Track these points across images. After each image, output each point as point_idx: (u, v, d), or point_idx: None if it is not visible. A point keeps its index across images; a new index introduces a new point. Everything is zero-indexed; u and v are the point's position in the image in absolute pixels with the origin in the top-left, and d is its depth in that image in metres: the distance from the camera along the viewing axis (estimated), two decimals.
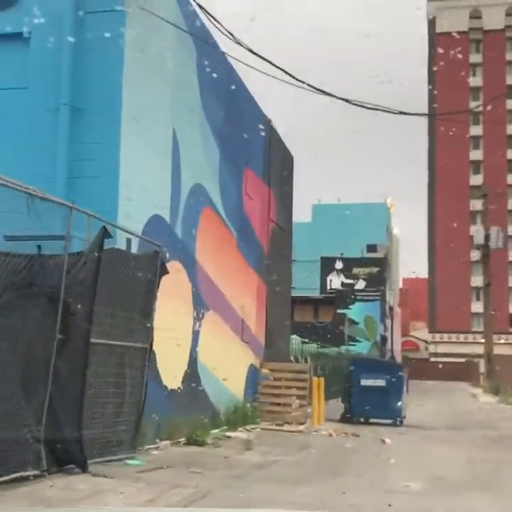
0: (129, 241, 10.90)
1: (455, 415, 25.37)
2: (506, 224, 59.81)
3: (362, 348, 49.97)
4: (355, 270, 54.02)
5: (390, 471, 11.90)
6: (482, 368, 55.45)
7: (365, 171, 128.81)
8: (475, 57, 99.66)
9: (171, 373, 13.14)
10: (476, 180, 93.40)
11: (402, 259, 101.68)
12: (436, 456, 14.26)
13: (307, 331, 51.18)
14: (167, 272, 11.02)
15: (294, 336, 47.74)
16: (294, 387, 18.18)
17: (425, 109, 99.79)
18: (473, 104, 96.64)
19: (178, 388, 13.69)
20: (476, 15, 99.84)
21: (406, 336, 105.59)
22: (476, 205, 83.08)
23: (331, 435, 16.79)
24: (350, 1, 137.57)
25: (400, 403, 20.01)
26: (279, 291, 20.89)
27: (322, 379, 19.87)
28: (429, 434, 18.41)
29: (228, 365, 16.43)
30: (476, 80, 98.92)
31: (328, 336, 50.12)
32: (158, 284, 10.67)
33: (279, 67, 10.94)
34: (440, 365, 74.96)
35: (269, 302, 19.94)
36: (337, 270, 54.33)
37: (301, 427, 17.27)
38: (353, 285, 53.56)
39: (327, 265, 54.92)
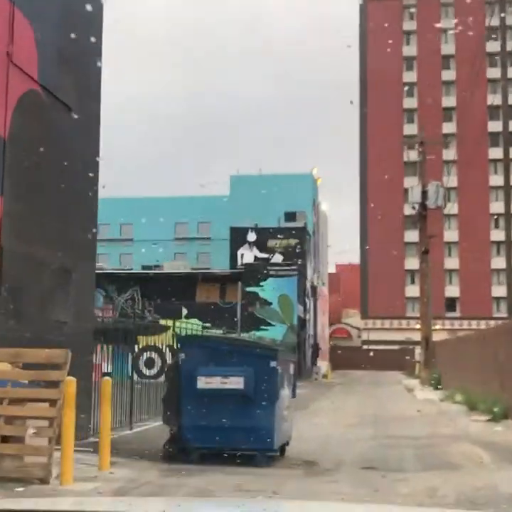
0: None
1: (382, 430, 15.71)
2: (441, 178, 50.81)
3: (275, 333, 40.40)
4: (271, 242, 44.41)
5: None
6: (418, 356, 46.38)
7: (291, 141, 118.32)
8: (408, 25, 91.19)
9: None
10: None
11: (333, 242, 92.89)
12: None
13: (210, 314, 41.37)
14: None
15: (194, 320, 37.91)
16: (31, 399, 8.31)
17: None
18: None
19: None
20: None
21: (338, 323, 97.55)
22: (412, 182, 74.70)
23: None
24: None
25: (272, 419, 10.28)
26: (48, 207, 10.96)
27: (109, 380, 10.10)
28: (323, 490, 8.76)
29: None
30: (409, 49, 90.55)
31: (235, 319, 40.55)
32: None
33: None
34: (371, 354, 66.28)
35: (11, 237, 10.05)
36: (249, 243, 44.68)
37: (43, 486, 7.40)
38: (267, 260, 43.95)
39: (238, 237, 45.24)
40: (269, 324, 40.69)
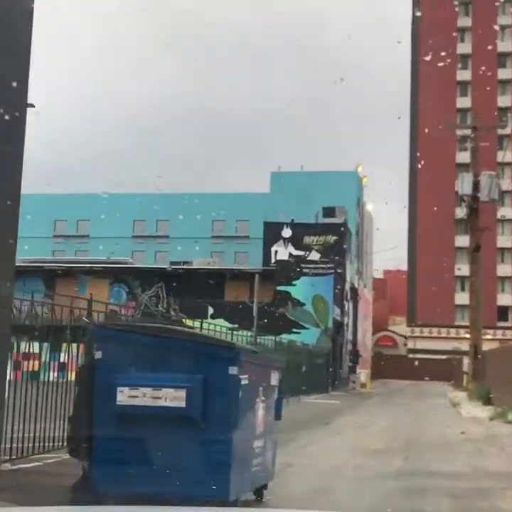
0: None
1: (412, 462, 11.89)
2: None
3: (308, 336, 36.68)
4: (308, 239, 40.65)
5: None
6: (466, 367, 42.16)
7: (336, 138, 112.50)
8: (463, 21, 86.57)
9: None
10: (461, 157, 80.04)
11: (380, 246, 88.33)
12: None
13: (238, 314, 37.91)
14: None
15: (220, 320, 34.55)
16: None
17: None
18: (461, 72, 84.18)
19: None
20: None
21: (384, 331, 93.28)
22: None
23: None
24: None
25: (228, 455, 6.62)
26: None
27: None
28: None
29: None
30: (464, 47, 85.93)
31: (265, 320, 36.94)
32: None
33: None
34: (416, 363, 61.99)
35: None
36: (284, 239, 40.99)
37: None
38: (303, 258, 40.22)
39: (272, 233, 41.62)
40: (302, 327, 36.99)
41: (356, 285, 49.34)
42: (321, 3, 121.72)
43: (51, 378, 11.03)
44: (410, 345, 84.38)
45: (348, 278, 43.08)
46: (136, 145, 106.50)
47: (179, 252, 58.41)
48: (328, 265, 37.99)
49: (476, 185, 30.64)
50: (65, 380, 10.87)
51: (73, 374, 10.75)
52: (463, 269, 75.25)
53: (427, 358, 70.87)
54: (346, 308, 42.26)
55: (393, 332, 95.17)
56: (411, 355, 78.35)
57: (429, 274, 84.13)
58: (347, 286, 42.61)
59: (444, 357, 68.61)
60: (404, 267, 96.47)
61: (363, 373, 46.63)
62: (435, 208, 76.59)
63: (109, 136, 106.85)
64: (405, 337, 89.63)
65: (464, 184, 31.14)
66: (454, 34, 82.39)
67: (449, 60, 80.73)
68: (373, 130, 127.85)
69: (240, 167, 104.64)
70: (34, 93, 8.67)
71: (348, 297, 43.38)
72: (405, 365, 67.84)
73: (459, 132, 70.05)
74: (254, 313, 34.11)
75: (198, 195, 64.58)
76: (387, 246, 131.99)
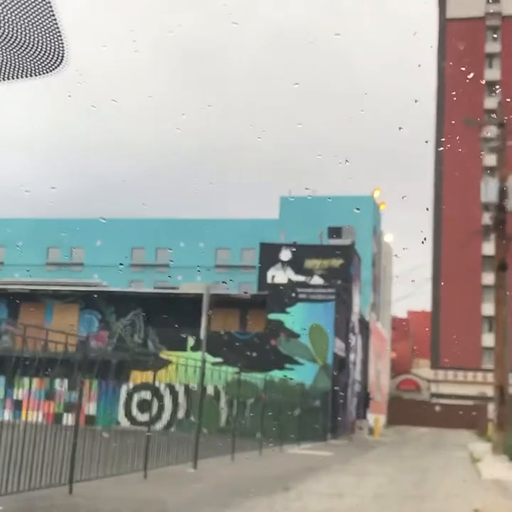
0: None
1: None
2: None
3: (304, 373, 30.90)
4: (310, 263, 35.08)
5: None
6: (491, 414, 36.02)
7: (351, 163, 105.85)
8: (491, 47, 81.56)
9: None
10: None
11: (399, 292, 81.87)
12: None
13: (223, 346, 32.35)
14: None
15: (204, 354, 28.99)
16: None
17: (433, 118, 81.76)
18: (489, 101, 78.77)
19: None
20: None
21: (406, 373, 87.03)
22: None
23: None
24: None
25: None
26: None
27: None
28: None
29: None
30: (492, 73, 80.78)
31: (253, 353, 31.36)
32: None
33: None
34: (437, 408, 55.66)
35: None
36: (283, 262, 35.46)
37: None
38: (304, 284, 34.60)
39: (269, 256, 36.12)
40: (296, 362, 31.23)
41: (368, 318, 43.47)
42: (347, 43, 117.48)
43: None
44: (433, 389, 77.83)
45: (355, 308, 37.31)
46: (137, 168, 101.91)
47: (180, 282, 53.10)
48: (329, 290, 32.32)
49: (502, 192, 25.06)
50: None
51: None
52: (490, 308, 69.15)
53: (450, 403, 64.38)
54: (353, 343, 36.41)
55: (416, 375, 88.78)
56: (434, 400, 71.81)
57: (454, 314, 78.02)
58: (354, 317, 36.83)
59: (469, 403, 62.12)
60: (428, 307, 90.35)
61: (376, 419, 40.57)
62: (457, 249, 70.79)
63: (108, 159, 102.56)
64: (429, 381, 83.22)
65: (488, 190, 25.56)
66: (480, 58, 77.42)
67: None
68: (394, 160, 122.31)
69: (249, 192, 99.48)
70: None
71: (356, 330, 37.55)
72: (426, 411, 61.44)
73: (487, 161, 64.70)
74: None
75: (201, 222, 59.50)
76: (406, 280, 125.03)
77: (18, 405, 18.63)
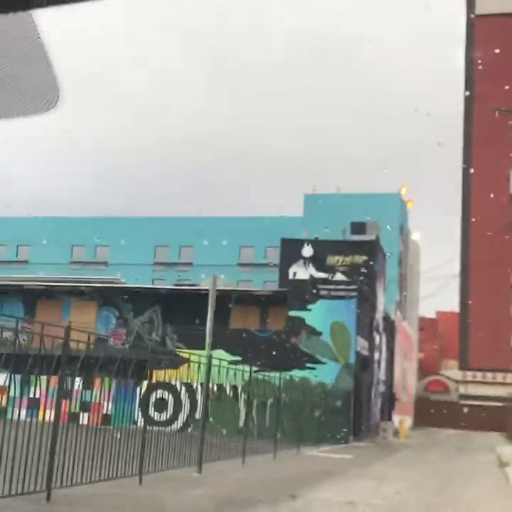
0: None
1: None
2: None
3: (325, 372, 29.78)
4: (332, 259, 33.92)
5: None
6: None
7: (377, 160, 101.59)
8: None
9: None
10: None
11: (426, 291, 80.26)
12: None
13: (242, 344, 31.38)
14: None
15: (220, 352, 28.10)
16: None
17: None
18: None
19: None
20: None
21: (434, 374, 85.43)
22: None
23: None
24: None
25: None
26: None
27: None
28: None
29: None
30: None
31: (273, 352, 30.34)
32: None
33: None
34: (465, 410, 54.15)
35: None
36: (305, 259, 34.34)
37: None
38: (326, 280, 33.47)
39: (290, 251, 35.04)
40: (318, 361, 30.09)
41: (393, 317, 42.19)
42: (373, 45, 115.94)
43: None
44: (462, 390, 76.10)
45: (380, 306, 36.09)
46: (158, 166, 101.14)
47: (203, 280, 52.11)
48: (352, 287, 31.14)
49: None
50: None
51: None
52: None
53: (479, 404, 62.76)
54: (377, 342, 35.18)
55: (444, 376, 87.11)
56: (462, 402, 70.16)
57: (483, 314, 76.19)
58: (378, 315, 35.60)
59: (498, 404, 60.48)
60: (457, 308, 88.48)
61: (402, 420, 39.28)
62: (487, 247, 68.99)
63: (136, 158, 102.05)
64: (457, 382, 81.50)
65: None
66: None
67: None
68: (420, 159, 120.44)
69: (273, 189, 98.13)
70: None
71: (380, 329, 36.31)
72: (454, 413, 59.92)
73: None
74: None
75: (225, 219, 58.59)
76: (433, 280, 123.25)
77: (34, 404, 17.83)
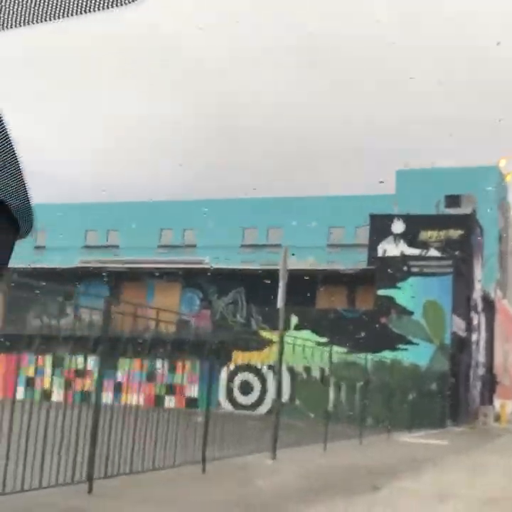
0: None
1: None
2: None
3: (418, 354, 28.04)
4: (424, 234, 32.07)
5: None
6: None
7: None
8: None
9: None
10: None
11: None
12: None
13: (329, 326, 29.94)
14: None
15: (306, 333, 27.15)
16: None
17: None
18: None
19: None
20: None
21: None
22: None
23: None
24: None
25: None
26: None
27: None
28: None
29: None
30: None
31: (362, 333, 28.83)
32: None
33: None
34: None
35: None
36: (395, 235, 32.61)
37: None
38: (420, 257, 31.65)
39: (380, 228, 33.38)
40: (410, 342, 28.38)
41: (493, 295, 39.83)
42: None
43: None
44: None
45: (477, 284, 33.96)
46: (247, 151, 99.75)
47: (292, 262, 50.91)
48: (446, 263, 29.21)
49: None
50: None
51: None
52: None
53: None
54: (475, 322, 33.11)
55: None
56: None
57: None
58: (476, 294, 33.49)
59: None
60: None
61: (504, 404, 37.09)
62: None
63: (219, 141, 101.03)
64: None
65: None
66: None
67: None
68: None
69: (363, 166, 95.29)
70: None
71: (479, 308, 34.18)
72: None
73: None
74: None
75: (314, 199, 57.04)
76: None
77: (119, 388, 17.08)
